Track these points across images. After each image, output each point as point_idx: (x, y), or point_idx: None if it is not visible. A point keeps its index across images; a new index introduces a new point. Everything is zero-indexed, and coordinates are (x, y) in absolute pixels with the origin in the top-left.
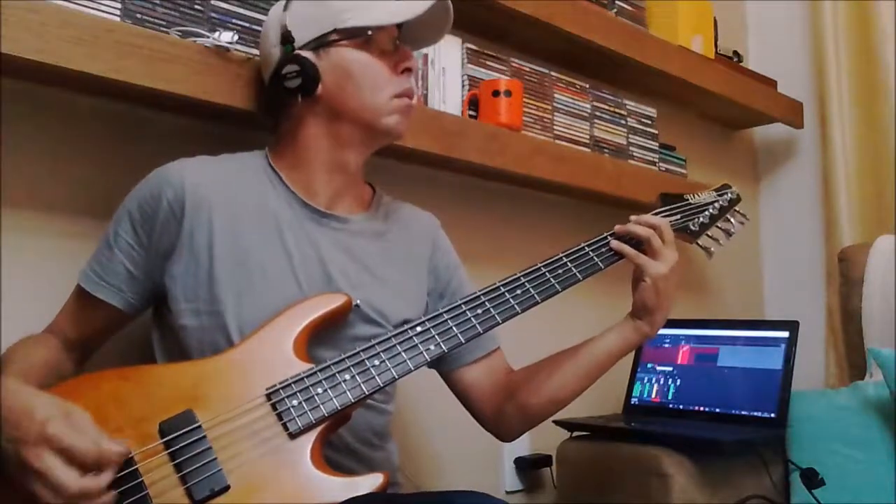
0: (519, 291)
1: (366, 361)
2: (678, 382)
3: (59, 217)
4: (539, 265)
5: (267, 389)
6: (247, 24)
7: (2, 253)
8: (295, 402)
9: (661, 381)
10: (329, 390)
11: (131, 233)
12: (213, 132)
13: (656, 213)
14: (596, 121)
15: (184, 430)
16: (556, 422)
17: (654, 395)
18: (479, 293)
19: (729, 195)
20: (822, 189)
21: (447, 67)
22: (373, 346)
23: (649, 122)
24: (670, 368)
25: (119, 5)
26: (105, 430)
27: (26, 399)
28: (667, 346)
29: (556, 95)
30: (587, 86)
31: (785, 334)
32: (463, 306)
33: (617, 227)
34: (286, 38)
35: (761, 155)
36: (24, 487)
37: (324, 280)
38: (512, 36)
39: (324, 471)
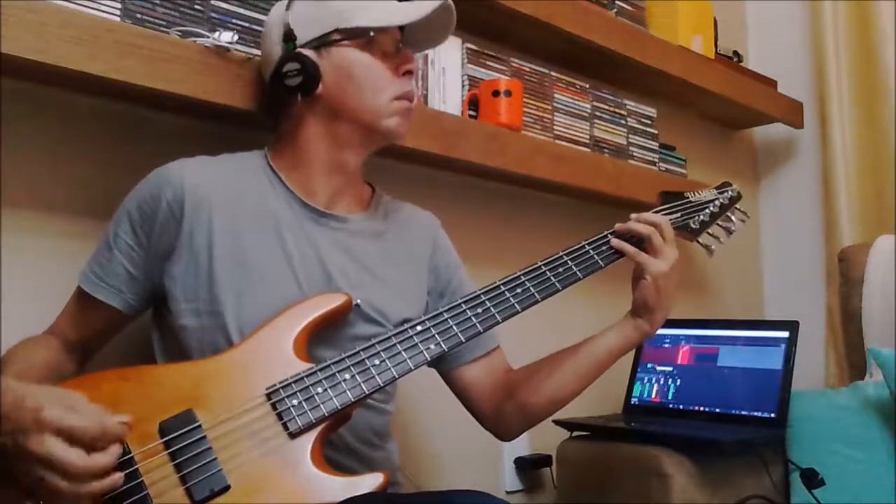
0: (519, 290)
1: (366, 361)
2: (678, 382)
3: (59, 217)
4: (539, 264)
5: (267, 389)
6: (247, 24)
7: (2, 253)
8: (295, 402)
9: (661, 381)
10: (329, 390)
11: (131, 233)
12: (213, 132)
13: (657, 211)
14: (596, 121)
15: (184, 430)
16: (556, 422)
17: (654, 395)
18: (479, 292)
19: (729, 193)
20: (822, 189)
21: (447, 67)
22: (373, 345)
23: (649, 122)
24: (670, 368)
25: (119, 5)
26: None
27: (18, 392)
28: (667, 346)
29: (556, 95)
30: (587, 86)
31: (785, 334)
32: (463, 305)
33: (617, 226)
34: (288, 36)
35: (761, 155)
36: (29, 481)
37: (323, 280)
38: (512, 36)
39: (324, 470)
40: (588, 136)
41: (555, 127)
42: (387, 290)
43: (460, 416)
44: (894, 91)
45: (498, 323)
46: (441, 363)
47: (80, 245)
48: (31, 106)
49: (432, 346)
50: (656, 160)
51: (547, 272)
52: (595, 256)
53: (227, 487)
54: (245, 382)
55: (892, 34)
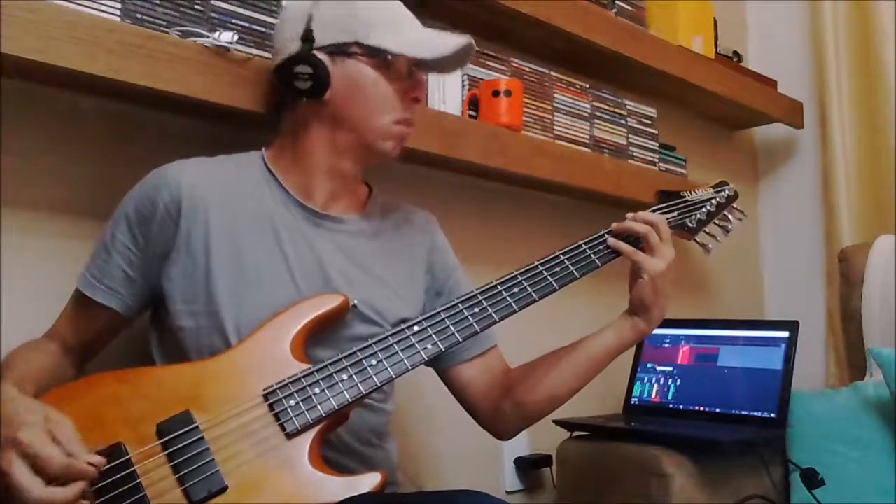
0: (516, 290)
1: (363, 361)
2: (678, 382)
3: (59, 217)
4: (536, 263)
5: (264, 390)
6: (247, 24)
7: (2, 253)
8: (292, 403)
9: (661, 381)
10: (326, 390)
11: (128, 235)
12: (213, 132)
13: (653, 210)
14: (596, 121)
15: (181, 431)
16: (556, 422)
17: (654, 395)
18: (476, 292)
19: (726, 192)
20: (822, 189)
21: None
22: (370, 345)
23: (649, 122)
24: (670, 368)
25: (119, 5)
26: (103, 432)
27: (14, 406)
28: (667, 346)
29: (556, 95)
30: (587, 86)
31: (785, 334)
32: (460, 305)
33: (614, 225)
34: (307, 36)
35: (761, 155)
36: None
37: (321, 280)
38: (512, 36)
39: (322, 470)
40: (588, 136)
41: (555, 127)
42: (384, 290)
43: (460, 416)
44: (894, 91)
45: (495, 322)
46: (438, 362)
47: (80, 245)
48: (31, 106)
49: (429, 346)
50: (656, 160)
51: (544, 271)
52: (592, 256)
53: (225, 488)
54: (242, 383)
55: (892, 34)
